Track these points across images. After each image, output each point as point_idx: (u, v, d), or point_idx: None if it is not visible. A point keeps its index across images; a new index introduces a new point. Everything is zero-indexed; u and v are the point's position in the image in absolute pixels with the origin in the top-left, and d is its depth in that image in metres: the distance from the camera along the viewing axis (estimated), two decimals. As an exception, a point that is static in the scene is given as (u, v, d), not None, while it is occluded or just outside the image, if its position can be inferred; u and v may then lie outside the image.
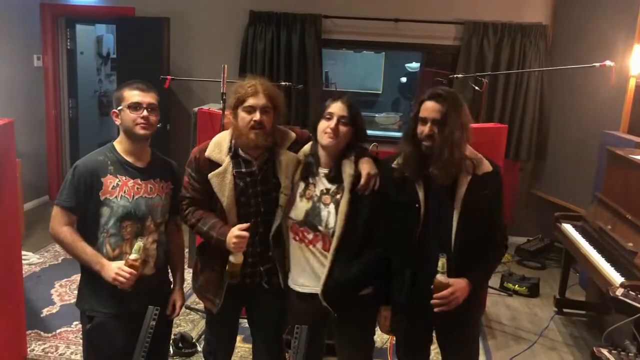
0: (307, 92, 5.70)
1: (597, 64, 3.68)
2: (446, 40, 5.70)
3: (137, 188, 2.26)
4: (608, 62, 3.64)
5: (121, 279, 2.12)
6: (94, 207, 2.22)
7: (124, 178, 2.24)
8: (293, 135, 2.34)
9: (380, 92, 8.77)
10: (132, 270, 2.12)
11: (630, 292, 2.19)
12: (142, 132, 2.23)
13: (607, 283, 3.02)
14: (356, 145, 2.24)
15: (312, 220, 2.20)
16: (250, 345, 3.33)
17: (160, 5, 5.86)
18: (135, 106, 2.21)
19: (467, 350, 2.38)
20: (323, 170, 2.24)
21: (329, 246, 2.19)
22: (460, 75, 4.58)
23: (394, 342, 3.61)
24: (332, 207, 2.18)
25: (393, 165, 2.24)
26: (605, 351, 1.97)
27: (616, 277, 3.02)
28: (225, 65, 3.71)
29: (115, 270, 2.13)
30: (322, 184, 2.23)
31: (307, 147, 2.31)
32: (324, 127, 2.16)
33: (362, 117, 2.26)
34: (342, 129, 2.15)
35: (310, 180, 2.25)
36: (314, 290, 2.23)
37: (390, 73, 8.62)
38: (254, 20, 5.71)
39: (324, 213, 2.19)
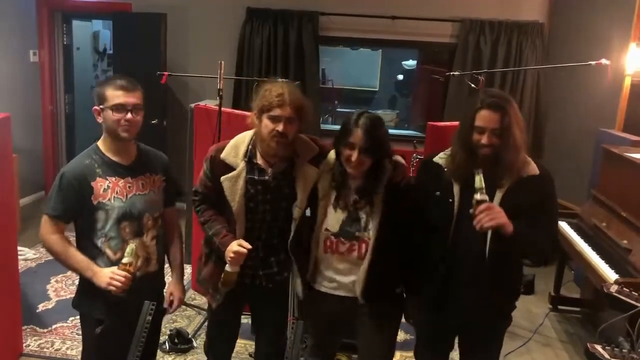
0: (303, 89, 5.68)
1: (593, 62, 3.67)
2: (443, 37, 5.71)
3: (129, 187, 2.20)
4: (604, 61, 3.64)
5: (116, 283, 2.04)
6: (88, 213, 2.14)
7: (113, 179, 2.17)
8: (317, 148, 2.29)
9: (376, 89, 8.78)
10: (126, 274, 2.05)
11: (624, 288, 2.20)
12: (125, 135, 2.15)
13: (601, 280, 3.03)
14: (382, 162, 2.17)
15: (348, 228, 2.17)
16: (245, 341, 3.36)
17: (157, 1, 5.83)
18: (119, 108, 2.11)
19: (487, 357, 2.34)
20: (353, 183, 2.19)
21: (365, 253, 2.17)
22: (456, 73, 4.57)
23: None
24: (368, 208, 2.17)
25: (435, 160, 2.22)
26: (599, 347, 1.98)
27: (611, 274, 3.04)
28: (222, 62, 3.70)
29: (110, 275, 2.06)
30: (354, 194, 2.19)
31: (332, 157, 2.24)
32: (346, 155, 2.09)
33: (385, 132, 2.16)
34: (365, 159, 2.08)
35: (342, 191, 2.20)
36: (342, 293, 2.24)
37: (386, 70, 8.63)
38: (251, 16, 5.70)
39: (362, 217, 2.17)
